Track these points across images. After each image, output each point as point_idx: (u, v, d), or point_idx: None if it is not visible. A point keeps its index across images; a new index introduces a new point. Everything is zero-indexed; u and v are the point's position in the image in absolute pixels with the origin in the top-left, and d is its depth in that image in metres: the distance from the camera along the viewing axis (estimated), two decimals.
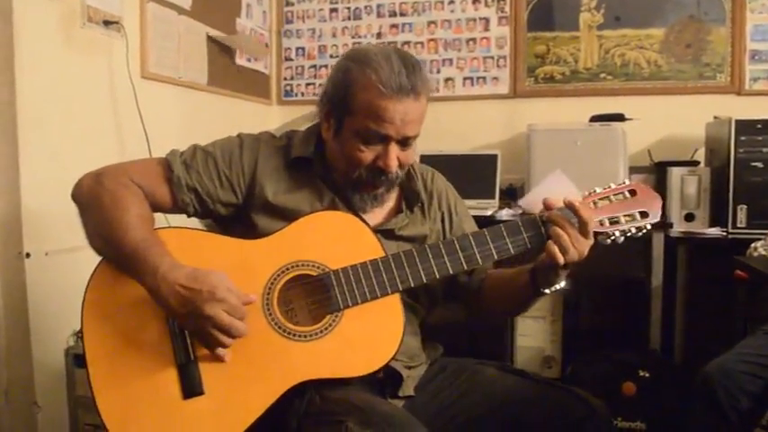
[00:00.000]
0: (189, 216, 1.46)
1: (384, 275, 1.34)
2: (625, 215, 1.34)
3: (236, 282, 1.28)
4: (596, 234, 1.33)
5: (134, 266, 1.27)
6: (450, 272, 1.36)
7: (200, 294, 1.22)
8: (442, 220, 1.59)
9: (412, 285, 1.35)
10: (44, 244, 2.12)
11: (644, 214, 1.34)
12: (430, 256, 1.35)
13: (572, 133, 2.92)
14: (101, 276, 1.34)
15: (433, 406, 1.47)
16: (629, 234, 1.34)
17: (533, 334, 2.91)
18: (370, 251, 1.36)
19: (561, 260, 1.30)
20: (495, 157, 3.04)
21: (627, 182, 1.37)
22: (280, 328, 1.31)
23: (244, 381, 1.28)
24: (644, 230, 1.34)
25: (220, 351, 1.26)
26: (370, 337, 1.32)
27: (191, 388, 1.28)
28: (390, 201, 1.52)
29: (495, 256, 1.36)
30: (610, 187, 1.36)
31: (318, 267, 1.35)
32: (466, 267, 1.36)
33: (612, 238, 1.34)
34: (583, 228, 1.30)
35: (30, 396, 2.12)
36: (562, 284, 1.39)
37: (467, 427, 1.44)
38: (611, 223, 1.34)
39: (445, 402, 1.49)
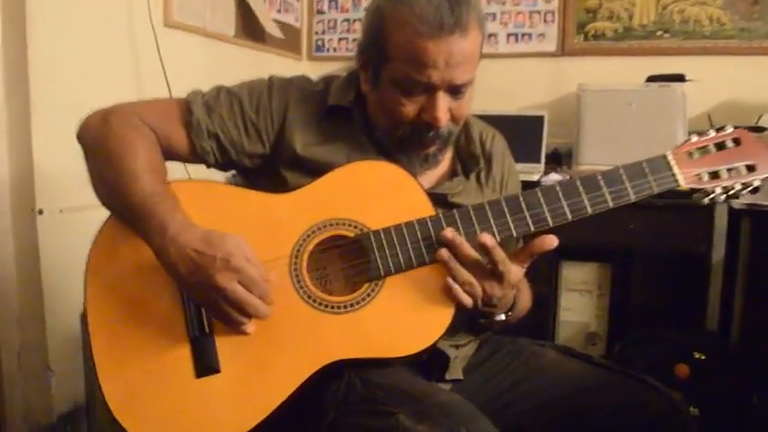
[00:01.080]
0: (208, 166, 1.24)
1: (434, 237, 1.11)
2: (728, 168, 1.08)
3: (259, 243, 1.06)
4: (693, 191, 1.08)
5: (140, 223, 1.06)
6: (514, 233, 1.12)
7: (213, 262, 1.00)
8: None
9: None
10: (58, 201, 1.93)
11: (751, 168, 1.08)
12: (501, 212, 1.11)
13: (627, 94, 2.63)
14: (107, 236, 1.13)
15: (484, 392, 1.25)
16: (731, 192, 1.09)
17: (578, 308, 2.66)
18: (417, 209, 1.13)
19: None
20: (541, 118, 2.77)
21: (729, 129, 1.11)
22: (310, 298, 1.09)
23: (267, 358, 1.07)
24: (750, 188, 1.09)
25: (240, 323, 1.04)
26: (416, 310, 1.10)
27: (205, 364, 1.07)
28: (443, 163, 1.28)
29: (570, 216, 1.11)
30: (708, 135, 1.10)
31: (356, 227, 1.12)
32: (533, 228, 1.12)
33: (712, 196, 1.09)
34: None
35: (43, 360, 1.96)
36: (501, 317, 1.19)
37: (523, 418, 1.22)
38: (711, 178, 1.08)
39: (499, 388, 1.27)
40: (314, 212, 1.13)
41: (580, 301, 2.66)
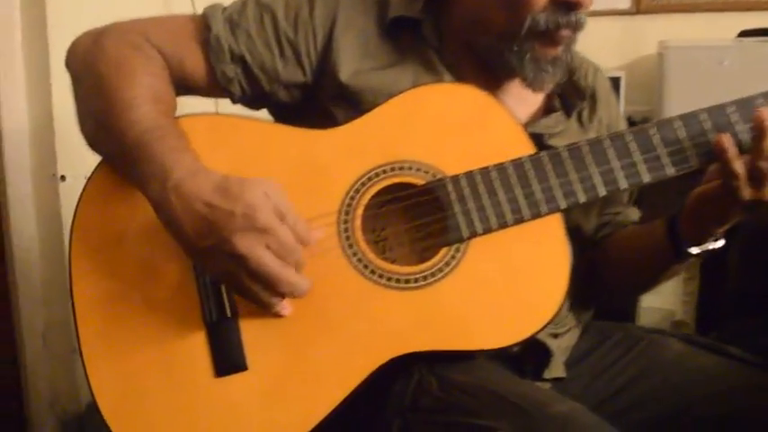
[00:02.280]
0: (234, 101, 0.92)
1: (536, 184, 0.78)
2: None
3: (297, 196, 0.74)
4: None
5: (136, 168, 0.75)
6: (643, 180, 0.78)
7: (231, 219, 0.68)
8: None
9: (580, 201, 0.78)
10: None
11: None
12: (625, 149, 0.78)
13: (718, 51, 2.22)
14: (98, 188, 0.83)
15: (592, 393, 0.91)
16: None
17: (662, 293, 2.29)
18: (509, 147, 0.79)
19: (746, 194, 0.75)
20: (617, 80, 2.38)
21: None
22: (366, 268, 0.77)
23: (309, 351, 0.75)
24: None
25: (271, 304, 0.73)
26: (513, 284, 0.76)
27: (226, 360, 0.76)
28: (535, 96, 0.94)
29: None
30: None
31: (427, 172, 0.79)
32: (673, 171, 0.77)
33: None
34: None
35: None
36: (719, 243, 0.85)
37: (644, 428, 0.87)
38: None
39: (610, 388, 0.93)
40: (370, 154, 0.80)
41: (664, 286, 2.26)
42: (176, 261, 0.77)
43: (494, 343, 0.75)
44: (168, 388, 0.75)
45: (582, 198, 0.78)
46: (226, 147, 0.81)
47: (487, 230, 0.77)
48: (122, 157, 0.77)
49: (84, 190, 0.83)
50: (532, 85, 0.87)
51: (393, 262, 0.80)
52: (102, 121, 0.80)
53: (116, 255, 0.79)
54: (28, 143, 1.65)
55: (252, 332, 0.76)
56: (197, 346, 0.76)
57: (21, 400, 1.69)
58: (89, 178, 0.84)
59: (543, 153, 0.79)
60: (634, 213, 1.03)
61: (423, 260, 0.80)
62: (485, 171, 0.78)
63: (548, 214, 0.78)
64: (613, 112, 1.02)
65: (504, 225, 0.77)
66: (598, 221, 0.99)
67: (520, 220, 0.77)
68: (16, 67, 1.62)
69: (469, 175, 0.78)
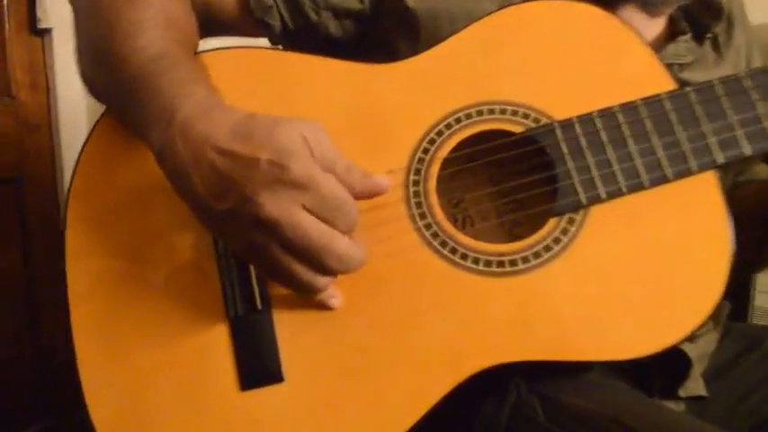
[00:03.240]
0: (273, 39, 0.73)
1: (681, 132, 0.55)
2: None
3: (352, 148, 0.53)
4: None
5: (137, 108, 0.56)
6: None
7: (256, 170, 0.48)
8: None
9: (745, 153, 0.55)
10: None
11: None
12: None
13: None
14: (97, 149, 0.64)
15: (738, 419, 0.68)
16: None
17: None
18: (641, 82, 0.57)
19: None
20: None
21: None
22: (445, 245, 0.56)
23: (368, 360, 0.54)
24: None
25: (317, 286, 0.52)
26: (652, 272, 0.54)
27: (257, 368, 0.56)
28: (657, 20, 0.71)
29: None
30: None
31: (527, 115, 0.58)
32: None
33: None
34: None
35: None
36: None
37: None
38: None
39: (764, 412, 0.69)
40: (448, 93, 0.59)
41: None
42: (192, 235, 0.58)
43: (622, 352, 0.53)
44: (180, 403, 0.56)
45: (747, 149, 0.55)
46: (260, 86, 0.61)
47: (614, 195, 0.55)
48: (122, 96, 0.58)
49: (81, 152, 0.64)
50: (649, 5, 0.65)
51: (479, 238, 0.58)
52: (100, 50, 0.61)
53: (119, 229, 0.61)
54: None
55: (290, 331, 0.56)
56: (217, 348, 0.56)
57: None
58: (88, 137, 0.65)
59: (689, 89, 0.56)
60: (763, 169, 0.79)
61: (513, 237, 0.59)
62: (608, 114, 0.56)
63: (698, 172, 0.55)
64: (750, 39, 0.78)
65: (636, 187, 0.55)
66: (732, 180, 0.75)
67: (659, 181, 0.55)
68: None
69: (587, 119, 0.56)
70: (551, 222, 0.55)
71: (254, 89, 0.62)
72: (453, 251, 0.56)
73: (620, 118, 0.56)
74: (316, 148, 0.49)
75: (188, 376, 0.56)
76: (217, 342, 0.56)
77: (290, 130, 0.49)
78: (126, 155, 0.62)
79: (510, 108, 0.58)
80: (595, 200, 0.55)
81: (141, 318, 0.58)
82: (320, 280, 0.50)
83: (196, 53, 0.64)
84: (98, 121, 0.65)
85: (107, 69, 0.60)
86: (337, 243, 0.49)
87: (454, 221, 0.64)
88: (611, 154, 0.55)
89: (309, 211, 0.48)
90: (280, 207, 0.48)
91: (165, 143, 0.52)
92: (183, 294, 0.58)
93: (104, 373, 0.58)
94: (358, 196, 0.50)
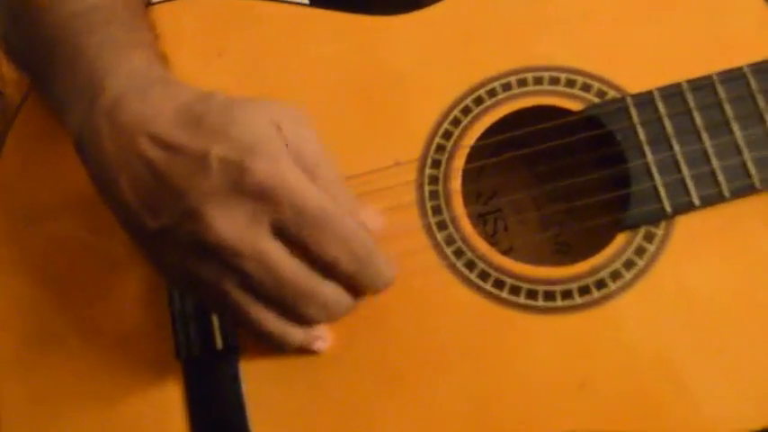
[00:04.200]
0: None
1: None
2: None
3: (348, 132, 0.38)
4: None
5: (55, 78, 0.41)
6: None
7: (204, 170, 0.32)
8: None
9: None
10: None
11: None
12: None
13: None
14: (25, 130, 0.49)
15: None
16: None
17: None
18: (751, 46, 0.40)
19: None
20: None
21: None
22: (473, 267, 0.40)
23: (365, 419, 0.40)
24: None
25: (291, 344, 0.37)
26: (765, 312, 0.38)
27: (218, 428, 0.41)
28: None
29: None
30: None
31: (588, 87, 0.41)
32: None
33: None
34: None
35: None
36: None
37: None
38: None
39: None
40: (479, 55, 0.43)
41: None
42: (132, 250, 0.43)
43: (719, 427, 0.37)
44: None
45: None
46: (229, 46, 0.46)
47: (711, 201, 0.39)
48: (38, 63, 0.43)
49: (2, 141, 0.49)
50: None
51: (509, 252, 0.43)
52: (14, 4, 0.45)
53: (45, 243, 0.46)
54: None
55: (260, 379, 0.41)
56: (166, 403, 0.42)
57: None
58: (9, 129, 0.50)
59: None
60: None
61: (559, 248, 0.44)
62: (704, 86, 0.40)
63: None
64: None
65: (745, 191, 0.39)
66: None
67: None
68: None
69: (674, 92, 0.40)
70: (621, 238, 0.40)
71: (221, 50, 0.46)
72: (484, 276, 0.40)
73: (722, 92, 0.40)
74: (292, 141, 0.33)
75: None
76: (166, 396, 0.42)
77: (256, 115, 0.33)
78: (56, 145, 0.47)
79: (564, 76, 0.42)
80: (685, 208, 0.39)
81: (70, 365, 0.43)
82: (295, 332, 0.35)
83: (148, 4, 0.48)
84: (24, 98, 0.50)
85: (22, 27, 0.45)
86: (322, 286, 0.34)
87: (483, 225, 0.48)
88: (708, 144, 0.39)
89: (281, 233, 0.33)
90: (235, 228, 0.32)
91: (86, 129, 0.37)
92: (124, 332, 0.43)
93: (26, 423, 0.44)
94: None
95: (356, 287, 0.35)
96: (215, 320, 0.42)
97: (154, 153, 0.33)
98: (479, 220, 0.49)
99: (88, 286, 0.44)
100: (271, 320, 0.34)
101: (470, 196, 0.46)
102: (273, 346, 0.36)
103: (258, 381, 0.41)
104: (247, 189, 0.32)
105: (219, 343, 0.41)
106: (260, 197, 0.32)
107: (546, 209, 0.47)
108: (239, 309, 0.34)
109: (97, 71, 0.38)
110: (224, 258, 0.33)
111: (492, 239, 0.48)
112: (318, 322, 0.35)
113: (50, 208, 0.46)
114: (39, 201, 0.47)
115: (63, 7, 0.42)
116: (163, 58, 0.42)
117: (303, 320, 0.34)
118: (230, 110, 0.34)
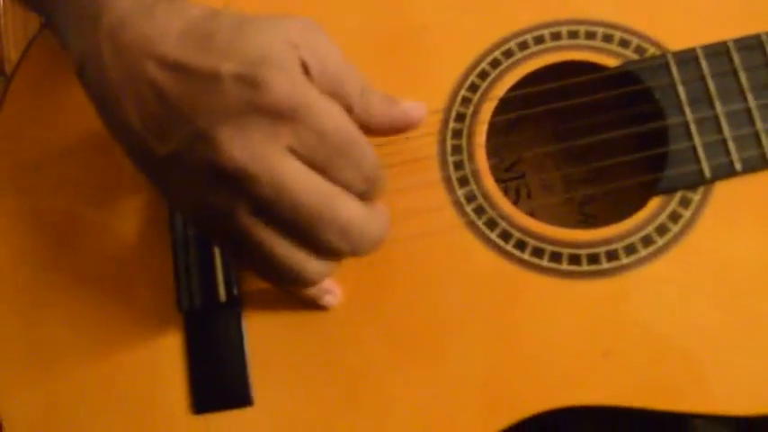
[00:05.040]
0: None
1: None
2: None
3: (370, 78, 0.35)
4: None
5: (55, 4, 0.38)
6: None
7: (217, 89, 0.29)
8: None
9: None
10: None
11: None
12: None
13: None
14: (27, 74, 0.47)
15: None
16: None
17: None
18: None
19: None
20: None
21: None
22: (493, 227, 0.38)
23: (374, 385, 0.37)
24: None
25: (308, 281, 0.33)
26: None
27: (218, 385, 0.39)
28: None
29: None
30: None
31: (627, 42, 0.39)
32: None
33: None
34: None
35: None
36: None
37: None
38: None
39: None
40: (510, 5, 0.40)
41: None
42: (140, 198, 0.41)
43: (748, 405, 0.35)
44: (117, 420, 0.40)
45: None
46: None
47: (754, 166, 0.36)
48: None
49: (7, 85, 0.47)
50: None
51: (531, 214, 0.41)
52: None
53: (43, 191, 0.44)
54: None
55: (264, 336, 0.39)
56: (165, 356, 0.40)
57: None
58: (19, 62, 0.48)
59: None
60: None
61: (585, 217, 0.41)
62: (751, 44, 0.37)
63: None
64: None
65: None
66: None
67: None
68: None
69: (719, 50, 0.37)
70: (654, 202, 0.37)
71: None
72: (505, 236, 0.38)
73: None
74: (311, 56, 0.31)
75: (125, 393, 0.40)
76: (164, 347, 0.39)
77: (270, 31, 0.31)
78: (59, 91, 0.45)
79: (601, 30, 0.39)
80: (725, 172, 0.36)
81: (68, 315, 0.41)
82: (312, 266, 0.32)
83: None
84: (34, 38, 0.48)
85: None
86: (341, 207, 0.30)
87: (505, 191, 0.46)
88: (753, 104, 0.36)
89: (299, 155, 0.30)
90: (250, 149, 0.30)
91: (88, 53, 0.34)
92: (125, 281, 0.41)
93: (24, 389, 0.42)
94: (377, 131, 0.33)
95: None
96: (219, 272, 0.39)
97: (160, 75, 0.31)
98: (501, 185, 0.46)
99: (90, 234, 0.42)
100: (286, 249, 0.31)
101: (494, 159, 0.44)
102: (286, 285, 0.34)
103: (261, 334, 0.39)
104: (262, 108, 0.29)
105: (223, 295, 0.39)
106: (275, 116, 0.29)
107: (571, 170, 0.44)
108: (251, 239, 0.31)
109: None
110: (237, 183, 0.30)
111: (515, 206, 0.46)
112: (341, 255, 0.32)
113: (54, 154, 0.44)
114: (42, 147, 0.45)
115: None
116: None
117: (324, 251, 0.31)
118: (242, 26, 0.31)
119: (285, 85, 0.29)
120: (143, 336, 0.40)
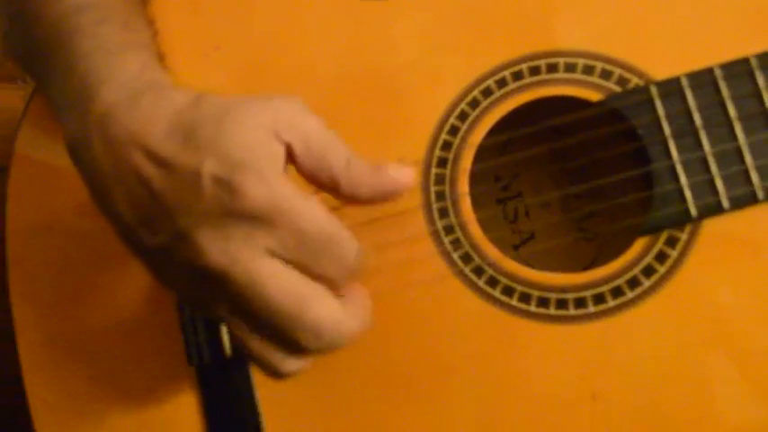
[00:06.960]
0: None
1: None
2: None
3: (346, 129, 0.35)
4: None
5: (52, 82, 0.39)
6: None
7: (195, 188, 0.30)
8: None
9: None
10: None
11: None
12: None
13: None
14: (29, 137, 0.48)
15: None
16: None
17: None
18: None
19: None
20: None
21: None
22: (480, 274, 0.38)
23: (378, 425, 0.39)
24: None
25: (284, 375, 0.35)
26: None
27: (233, 427, 0.41)
28: None
29: None
30: None
31: (608, 73, 0.37)
32: None
33: None
34: None
35: None
36: None
37: None
38: None
39: None
40: (487, 39, 0.39)
41: None
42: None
43: None
44: None
45: None
46: (226, 42, 0.43)
47: (742, 204, 0.35)
48: (36, 64, 0.42)
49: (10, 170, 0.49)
50: None
51: (531, 240, 0.40)
52: (12, 7, 0.43)
53: (57, 259, 0.46)
54: None
55: (274, 388, 0.41)
56: (184, 413, 0.42)
57: None
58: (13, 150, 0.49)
59: None
60: None
61: (582, 233, 0.41)
62: (738, 71, 0.35)
63: None
64: None
65: None
66: None
67: None
68: None
69: (704, 79, 0.35)
70: (640, 243, 0.36)
71: (218, 43, 0.43)
72: (492, 283, 0.38)
73: (761, 79, 0.35)
74: (294, 139, 0.31)
75: None
76: (181, 403, 0.42)
77: (249, 121, 0.31)
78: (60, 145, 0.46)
79: (581, 62, 0.37)
80: (712, 211, 0.35)
81: (89, 370, 0.44)
82: (288, 363, 0.33)
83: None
84: (30, 98, 0.48)
85: (20, 26, 0.43)
86: (316, 309, 0.31)
87: (503, 211, 0.46)
88: (742, 139, 0.35)
89: (279, 255, 0.31)
90: (229, 253, 0.31)
91: (79, 139, 0.35)
92: (136, 336, 0.43)
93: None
94: (366, 201, 0.33)
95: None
96: (223, 329, 0.41)
97: (148, 167, 0.32)
98: (499, 206, 0.46)
99: (100, 290, 0.44)
100: (263, 348, 0.33)
101: (489, 180, 0.43)
102: (267, 375, 0.35)
103: (270, 387, 0.41)
104: (241, 213, 0.30)
105: (228, 350, 0.41)
106: (256, 220, 0.30)
107: (570, 189, 0.43)
108: (232, 332, 0.33)
109: (90, 77, 0.36)
110: (216, 284, 0.31)
111: (513, 225, 0.46)
112: (313, 352, 0.33)
113: (63, 214, 0.46)
114: (52, 207, 0.46)
115: (58, 6, 0.39)
116: (160, 57, 0.40)
117: (296, 348, 0.33)
118: (222, 117, 0.31)
119: (261, 190, 0.30)
120: (159, 390, 0.42)
